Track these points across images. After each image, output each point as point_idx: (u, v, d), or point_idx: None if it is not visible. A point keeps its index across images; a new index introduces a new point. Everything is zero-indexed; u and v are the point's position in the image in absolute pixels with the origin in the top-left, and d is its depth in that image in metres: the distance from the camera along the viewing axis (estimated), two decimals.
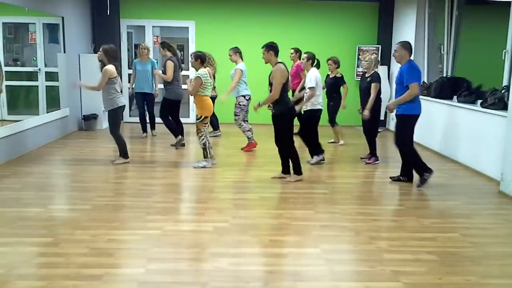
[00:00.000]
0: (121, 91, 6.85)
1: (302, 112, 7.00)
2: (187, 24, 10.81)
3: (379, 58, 9.95)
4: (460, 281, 3.49)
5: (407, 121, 5.87)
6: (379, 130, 7.77)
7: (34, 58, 8.14)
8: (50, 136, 8.24)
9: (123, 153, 6.89)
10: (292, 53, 8.78)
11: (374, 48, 10.64)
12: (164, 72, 7.89)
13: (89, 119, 9.56)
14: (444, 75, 8.54)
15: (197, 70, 6.57)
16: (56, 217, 4.72)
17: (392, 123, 10.48)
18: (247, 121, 7.79)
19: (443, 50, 8.70)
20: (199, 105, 6.60)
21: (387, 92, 10.38)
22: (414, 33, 9.37)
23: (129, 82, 10.98)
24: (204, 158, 6.71)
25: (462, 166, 7.13)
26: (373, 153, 7.30)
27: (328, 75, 8.12)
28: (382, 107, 7.33)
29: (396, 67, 10.22)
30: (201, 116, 6.58)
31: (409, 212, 5.09)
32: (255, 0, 10.58)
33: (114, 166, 6.72)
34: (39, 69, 8.14)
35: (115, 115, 6.75)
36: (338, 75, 7.99)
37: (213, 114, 9.44)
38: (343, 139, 8.63)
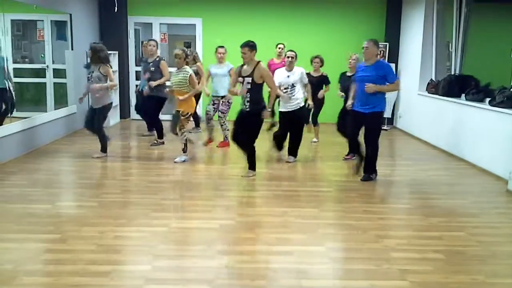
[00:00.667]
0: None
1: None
2: (194, 21, 10.80)
3: (380, 57, 9.87)
4: (467, 280, 3.47)
5: (380, 117, 5.96)
6: (384, 128, 7.73)
7: (42, 55, 8.18)
8: (58, 133, 8.28)
9: (104, 148, 7.02)
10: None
11: (382, 45, 10.57)
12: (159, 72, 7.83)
13: None
14: (452, 73, 8.49)
15: (180, 68, 6.67)
16: (63, 213, 4.75)
17: (399, 121, 10.44)
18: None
19: (451, 48, 8.64)
20: (184, 102, 6.67)
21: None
22: (422, 31, 9.31)
23: (136, 79, 11.05)
24: (184, 153, 6.84)
25: (469, 164, 7.09)
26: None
27: (309, 73, 7.62)
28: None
29: (404, 65, 10.23)
30: (187, 113, 6.71)
31: (416, 210, 5.07)
32: None
33: (111, 161, 6.77)
34: (47, 66, 8.18)
35: (106, 111, 6.95)
36: (324, 74, 7.92)
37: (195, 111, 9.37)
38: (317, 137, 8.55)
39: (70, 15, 8.72)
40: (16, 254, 3.72)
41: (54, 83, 8.44)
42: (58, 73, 8.67)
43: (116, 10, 9.46)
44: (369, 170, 6.04)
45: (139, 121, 10.52)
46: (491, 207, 5.28)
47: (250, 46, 5.88)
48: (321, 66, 7.94)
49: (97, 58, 6.74)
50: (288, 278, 3.45)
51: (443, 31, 9.08)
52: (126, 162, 6.94)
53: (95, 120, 6.84)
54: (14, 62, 7.22)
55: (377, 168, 6.08)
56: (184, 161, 6.81)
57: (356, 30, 10.73)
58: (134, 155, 7.40)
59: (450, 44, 8.75)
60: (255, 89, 5.86)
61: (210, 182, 6.00)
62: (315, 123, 8.23)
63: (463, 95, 7.66)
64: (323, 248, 4.01)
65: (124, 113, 10.83)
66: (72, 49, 8.86)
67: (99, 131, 6.91)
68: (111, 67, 6.86)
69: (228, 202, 5.20)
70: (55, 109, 8.24)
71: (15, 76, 7.15)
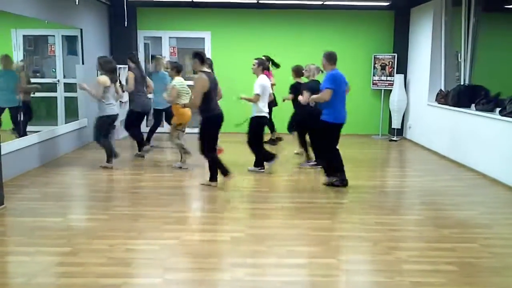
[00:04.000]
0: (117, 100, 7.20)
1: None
2: (203, 35, 10.89)
3: (388, 68, 9.88)
4: None
5: (327, 128, 6.13)
6: (394, 138, 7.68)
7: (53, 70, 8.28)
8: (69, 147, 8.34)
9: (109, 158, 7.14)
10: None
11: (390, 56, 10.60)
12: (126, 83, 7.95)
13: None
14: (462, 83, 8.46)
15: (172, 79, 6.98)
16: (75, 226, 4.77)
17: (409, 132, 10.41)
18: None
19: (460, 58, 8.61)
20: (176, 113, 7.03)
21: (404, 100, 10.33)
22: (430, 41, 9.31)
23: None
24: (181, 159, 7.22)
25: (480, 174, 7.03)
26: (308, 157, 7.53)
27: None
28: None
29: (413, 76, 10.22)
30: (180, 123, 7.08)
31: (428, 222, 5.03)
32: (270, 10, 10.61)
33: (121, 174, 6.78)
34: (58, 81, 8.27)
35: (101, 122, 7.03)
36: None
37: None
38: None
39: (81, 30, 8.83)
40: (28, 267, 3.74)
41: (65, 97, 8.52)
42: (69, 87, 8.76)
43: (126, 25, 9.56)
44: (329, 174, 6.30)
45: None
46: (504, 218, 5.23)
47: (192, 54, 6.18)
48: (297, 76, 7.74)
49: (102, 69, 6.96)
50: None
51: (452, 41, 9.07)
52: (136, 175, 6.96)
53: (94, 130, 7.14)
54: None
55: (395, 178, 6.11)
56: (179, 167, 7.12)
57: (365, 41, 10.76)
58: (144, 167, 7.42)
59: (459, 54, 8.73)
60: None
61: (220, 195, 6.00)
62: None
63: (473, 105, 7.62)
64: (335, 260, 3.98)
65: None
66: (82, 63, 8.95)
67: (99, 143, 7.11)
68: (111, 78, 6.92)
69: (239, 214, 5.19)
70: (66, 123, 8.31)
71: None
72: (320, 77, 6.87)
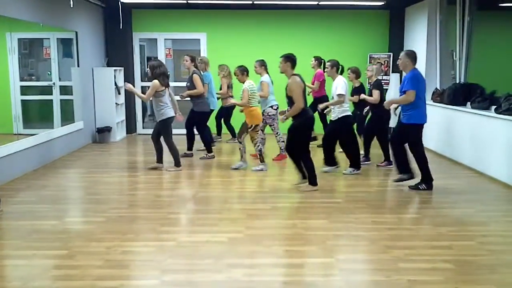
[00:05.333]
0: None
1: (328, 122, 6.99)
2: (198, 36, 10.89)
3: (384, 67, 9.96)
4: None
5: (412, 130, 6.02)
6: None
7: (49, 73, 8.26)
8: (65, 149, 8.32)
9: (176, 161, 7.15)
10: (312, 61, 8.89)
11: (386, 55, 10.62)
12: (190, 87, 7.90)
13: (103, 132, 9.65)
14: (457, 82, 8.48)
15: (242, 83, 7.13)
16: (71, 229, 4.76)
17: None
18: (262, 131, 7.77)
19: (456, 57, 8.64)
20: (248, 115, 7.05)
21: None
22: (425, 40, 9.33)
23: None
24: (261, 162, 7.15)
25: (477, 172, 7.05)
26: (365, 154, 7.52)
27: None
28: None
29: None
30: (251, 126, 7.05)
31: (425, 220, 5.03)
32: (265, 11, 10.62)
33: (118, 177, 6.76)
34: (54, 83, 8.25)
35: (164, 125, 7.03)
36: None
37: (220, 122, 9.52)
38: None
39: (76, 32, 8.82)
40: (25, 271, 3.73)
41: (61, 100, 8.50)
42: (65, 90, 8.75)
43: (121, 27, 9.56)
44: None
45: (145, 135, 10.57)
46: (501, 216, 5.24)
47: (284, 57, 5.99)
48: (356, 78, 7.66)
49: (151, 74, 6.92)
50: None
51: (447, 39, 9.09)
52: (133, 177, 6.95)
53: (162, 133, 7.15)
54: (21, 80, 7.29)
55: (390, 177, 6.24)
56: (261, 169, 7.09)
57: (360, 41, 10.79)
58: (140, 170, 7.41)
59: (454, 53, 8.76)
60: (290, 102, 5.92)
61: (217, 196, 5.99)
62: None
63: (468, 103, 7.64)
64: (333, 259, 3.98)
65: (131, 128, 10.88)
66: (78, 66, 8.95)
67: (167, 144, 7.12)
68: (162, 84, 6.86)
69: (236, 215, 5.19)
70: (62, 126, 8.29)
71: (22, 94, 7.23)
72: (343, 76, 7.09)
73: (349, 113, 6.90)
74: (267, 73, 7.66)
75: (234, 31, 10.78)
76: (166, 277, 3.60)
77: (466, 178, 6.86)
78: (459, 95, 7.92)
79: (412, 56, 6.00)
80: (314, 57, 8.96)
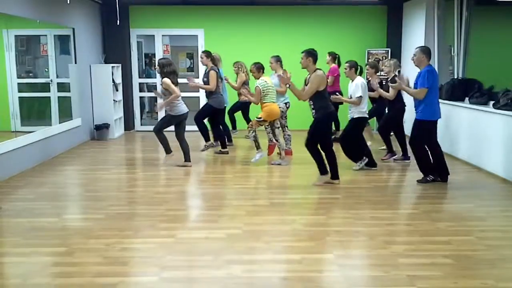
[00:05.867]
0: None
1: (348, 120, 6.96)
2: (196, 32, 10.86)
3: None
4: (476, 285, 3.44)
5: (425, 126, 6.02)
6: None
7: (46, 70, 8.23)
8: (63, 146, 8.31)
9: (187, 156, 7.20)
10: (327, 57, 9.06)
11: (384, 51, 10.61)
12: (207, 82, 7.95)
13: (101, 129, 9.63)
14: (455, 77, 8.48)
15: (257, 79, 7.25)
16: (70, 226, 4.75)
17: (404, 126, 10.39)
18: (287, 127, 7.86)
19: (454, 52, 8.64)
20: (262, 110, 7.18)
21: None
22: (423, 35, 9.32)
23: (140, 91, 11.14)
24: (257, 149, 7.26)
25: (475, 168, 7.06)
26: (389, 150, 7.54)
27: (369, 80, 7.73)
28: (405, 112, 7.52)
29: (407, 70, 10.21)
30: (260, 117, 7.13)
31: (423, 215, 5.04)
32: (263, 6, 10.60)
33: (116, 174, 6.76)
34: (51, 80, 8.23)
35: (170, 119, 7.08)
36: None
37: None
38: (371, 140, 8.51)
39: (73, 29, 8.79)
40: (24, 268, 3.72)
41: (59, 97, 8.48)
42: (62, 87, 8.72)
43: (118, 23, 9.53)
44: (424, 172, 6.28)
45: (143, 132, 10.57)
46: (499, 210, 5.25)
47: (306, 52, 5.97)
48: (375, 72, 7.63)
49: (162, 73, 6.92)
50: (296, 286, 3.43)
51: (445, 35, 9.08)
52: (131, 174, 6.95)
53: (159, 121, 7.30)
54: (19, 77, 7.27)
55: (391, 172, 6.17)
56: (261, 156, 7.24)
57: (358, 37, 10.77)
58: (138, 166, 7.40)
59: (452, 48, 8.75)
60: (314, 97, 5.93)
61: (216, 192, 5.99)
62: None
63: (466, 98, 7.65)
64: (332, 255, 3.99)
65: (129, 125, 10.86)
66: (75, 62, 8.92)
67: (156, 135, 7.14)
68: (172, 82, 6.88)
69: (234, 211, 5.18)
70: (59, 123, 8.27)
71: (19, 91, 7.21)
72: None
73: (366, 115, 6.89)
74: (283, 68, 7.66)
75: (231, 27, 10.75)
76: (165, 274, 3.60)
77: (464, 173, 6.87)
78: (457, 90, 7.92)
79: (427, 52, 5.99)
80: (329, 52, 9.09)
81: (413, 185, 6.25)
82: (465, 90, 7.77)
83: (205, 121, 8.25)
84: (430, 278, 3.52)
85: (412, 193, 5.96)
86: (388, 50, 10.56)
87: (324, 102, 5.95)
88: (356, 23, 10.80)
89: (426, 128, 6.03)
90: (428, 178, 6.17)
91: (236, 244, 4.20)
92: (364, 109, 6.78)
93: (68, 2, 8.10)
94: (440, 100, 8.23)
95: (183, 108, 7.01)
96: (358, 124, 6.83)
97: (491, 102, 6.83)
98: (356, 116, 6.77)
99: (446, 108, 8.13)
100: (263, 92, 7.06)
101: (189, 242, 4.27)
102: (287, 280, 3.53)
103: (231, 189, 6.11)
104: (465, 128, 7.50)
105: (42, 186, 6.14)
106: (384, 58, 10.54)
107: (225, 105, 8.55)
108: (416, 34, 9.73)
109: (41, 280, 3.51)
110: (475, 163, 7.14)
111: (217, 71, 8.00)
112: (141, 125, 11.16)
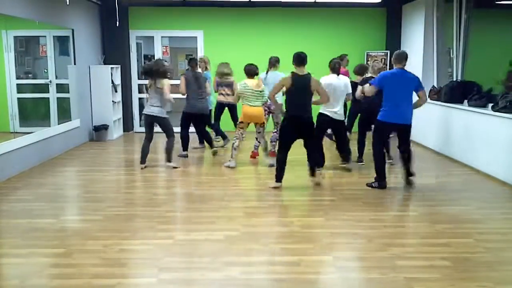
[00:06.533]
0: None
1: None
2: (195, 34, 10.85)
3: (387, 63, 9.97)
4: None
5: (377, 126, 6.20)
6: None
7: (45, 71, 8.23)
8: (62, 147, 8.30)
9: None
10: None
11: (383, 53, 10.62)
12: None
13: (100, 130, 9.63)
14: (454, 79, 8.49)
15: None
16: (68, 227, 4.75)
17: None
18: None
19: (453, 54, 8.65)
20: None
21: None
22: (422, 38, 9.34)
23: (139, 93, 11.12)
24: (231, 157, 7.31)
25: (474, 170, 7.06)
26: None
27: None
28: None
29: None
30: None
31: (422, 218, 5.04)
32: (263, 8, 10.60)
33: (115, 175, 6.76)
34: (50, 81, 8.22)
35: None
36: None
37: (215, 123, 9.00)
38: None
39: (72, 30, 8.79)
40: (22, 269, 3.72)
41: (57, 98, 8.48)
42: (61, 88, 8.72)
43: (117, 25, 9.53)
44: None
45: (142, 134, 10.55)
46: (498, 213, 5.25)
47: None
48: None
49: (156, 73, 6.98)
50: None
51: (444, 37, 9.10)
52: (130, 175, 6.94)
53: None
54: (18, 78, 7.26)
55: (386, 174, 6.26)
56: (227, 166, 7.24)
57: (357, 39, 10.78)
58: (137, 167, 7.39)
59: (451, 51, 8.77)
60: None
61: (214, 193, 5.99)
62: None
63: (465, 101, 7.65)
64: (330, 257, 3.99)
65: (127, 126, 10.86)
66: (74, 63, 8.92)
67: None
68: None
69: (232, 213, 5.18)
70: (58, 124, 8.27)
71: (18, 92, 7.20)
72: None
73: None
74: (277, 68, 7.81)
75: (231, 29, 10.75)
76: (163, 275, 3.60)
77: (463, 175, 6.87)
78: (456, 92, 7.93)
79: (395, 55, 6.07)
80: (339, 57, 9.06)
81: (412, 187, 6.25)
82: (464, 92, 7.76)
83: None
84: (428, 281, 3.52)
85: (410, 195, 5.95)
86: (387, 52, 10.57)
87: (288, 105, 6.06)
88: (355, 25, 10.80)
89: (379, 129, 6.19)
90: (373, 184, 6.17)
91: (234, 246, 4.20)
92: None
93: (68, 3, 8.10)
94: (439, 103, 8.33)
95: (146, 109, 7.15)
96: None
97: (490, 105, 6.84)
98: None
99: (445, 110, 8.15)
100: (240, 94, 7.22)
101: (187, 243, 4.27)
102: (284, 282, 3.53)
103: (229, 191, 6.10)
104: (464, 131, 7.50)
105: (40, 187, 6.13)
106: (383, 60, 10.56)
107: (209, 108, 8.40)
108: (415, 36, 9.74)
109: (39, 281, 3.50)
110: (474, 165, 7.14)
111: (188, 77, 7.76)
112: (140, 126, 11.15)
